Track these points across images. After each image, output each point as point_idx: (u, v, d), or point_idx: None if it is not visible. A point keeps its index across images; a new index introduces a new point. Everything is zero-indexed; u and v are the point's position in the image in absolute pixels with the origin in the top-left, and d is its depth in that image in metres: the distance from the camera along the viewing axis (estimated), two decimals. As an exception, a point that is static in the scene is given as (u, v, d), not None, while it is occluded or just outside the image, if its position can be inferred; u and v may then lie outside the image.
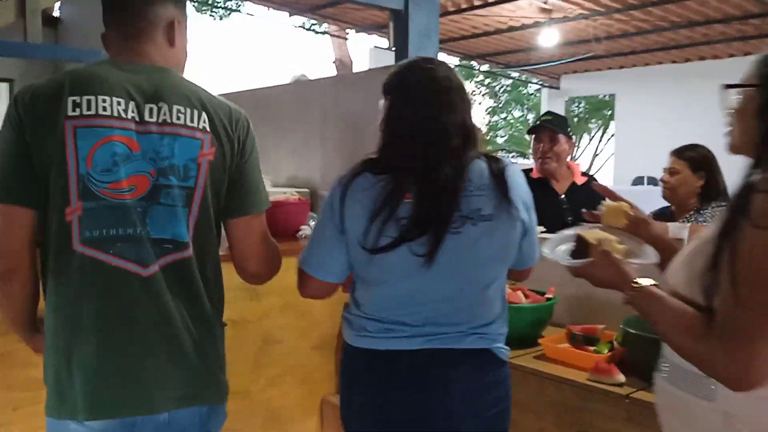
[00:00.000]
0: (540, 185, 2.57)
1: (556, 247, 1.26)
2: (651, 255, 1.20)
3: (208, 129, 1.29)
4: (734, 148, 1.11)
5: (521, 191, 1.38)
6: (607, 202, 1.38)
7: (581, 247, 1.18)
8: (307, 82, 3.98)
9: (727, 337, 0.94)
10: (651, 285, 1.07)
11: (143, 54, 1.32)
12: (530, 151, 3.00)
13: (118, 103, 1.23)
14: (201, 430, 1.35)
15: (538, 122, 2.76)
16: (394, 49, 2.98)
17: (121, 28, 1.34)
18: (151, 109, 1.26)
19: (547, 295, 2.13)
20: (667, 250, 1.28)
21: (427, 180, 1.31)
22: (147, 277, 1.25)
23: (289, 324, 2.51)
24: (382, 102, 1.44)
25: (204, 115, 1.29)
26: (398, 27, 2.82)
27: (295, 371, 2.54)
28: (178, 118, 1.27)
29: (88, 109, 1.22)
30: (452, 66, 1.46)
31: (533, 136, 2.76)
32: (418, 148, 1.33)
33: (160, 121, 1.25)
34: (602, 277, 1.16)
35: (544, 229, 2.21)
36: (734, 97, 1.09)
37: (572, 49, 9.11)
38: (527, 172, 2.70)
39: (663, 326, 1.03)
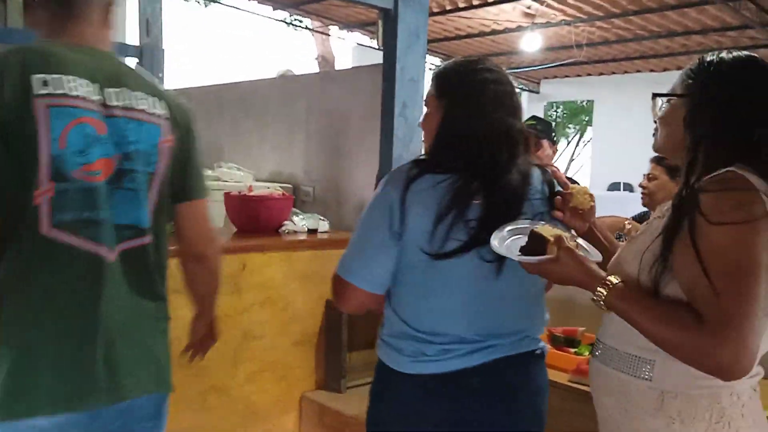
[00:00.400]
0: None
1: (506, 241, 1.18)
2: (595, 253, 1.20)
3: (167, 116, 1.30)
4: (659, 149, 1.25)
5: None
6: (572, 185, 1.39)
7: (536, 244, 1.13)
8: (292, 77, 3.96)
9: (714, 327, 0.97)
10: (619, 282, 1.08)
11: (84, 36, 1.27)
12: None
13: (86, 85, 1.20)
14: (158, 417, 1.36)
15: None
16: (382, 48, 2.96)
17: (61, 8, 1.26)
18: (115, 93, 1.24)
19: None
20: (605, 245, 1.37)
21: (495, 182, 1.27)
22: (110, 263, 1.22)
23: (270, 319, 2.50)
24: (427, 101, 1.39)
25: (161, 102, 1.30)
26: (387, 26, 2.81)
27: (275, 367, 2.53)
28: (140, 104, 1.26)
29: (57, 88, 1.17)
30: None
31: None
32: (486, 150, 1.28)
33: (123, 105, 1.24)
34: (567, 275, 1.11)
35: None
36: (662, 104, 1.21)
37: (553, 55, 9.20)
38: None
39: (646, 323, 1.04)
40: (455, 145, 1.30)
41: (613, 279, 1.08)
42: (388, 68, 2.83)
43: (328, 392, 2.60)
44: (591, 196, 1.37)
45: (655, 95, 1.22)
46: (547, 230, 1.14)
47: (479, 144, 1.28)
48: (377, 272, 1.28)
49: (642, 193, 2.71)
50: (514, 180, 1.28)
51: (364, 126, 3.09)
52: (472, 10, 7.45)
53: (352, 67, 3.32)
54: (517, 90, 1.43)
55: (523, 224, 1.22)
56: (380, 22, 2.85)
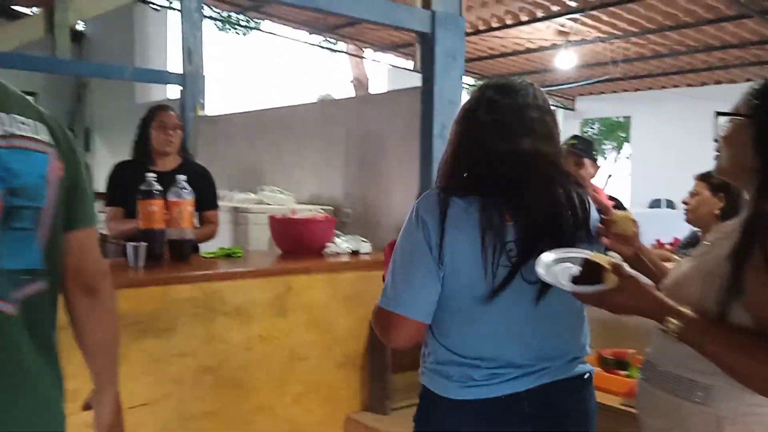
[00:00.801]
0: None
1: (551, 268, 1.13)
2: (644, 280, 1.16)
3: (51, 142, 1.12)
4: (721, 173, 1.20)
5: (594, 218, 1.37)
6: (615, 211, 1.38)
7: (590, 272, 1.07)
8: (331, 102, 4.03)
9: None
10: (692, 314, 1.05)
11: None
12: None
13: None
14: None
15: (564, 146, 2.78)
16: (417, 70, 3.01)
17: None
18: None
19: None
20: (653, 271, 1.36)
21: (522, 203, 1.25)
22: (10, 316, 1.05)
23: (315, 341, 2.52)
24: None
25: (44, 127, 1.12)
26: (425, 49, 2.85)
27: (320, 388, 2.55)
28: (23, 130, 1.08)
29: None
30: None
31: None
32: (509, 174, 1.27)
33: (4, 133, 1.05)
34: (632, 305, 1.07)
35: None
36: (725, 124, 1.17)
37: (588, 71, 9.15)
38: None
39: (724, 354, 1.03)
40: (475, 169, 1.30)
41: (685, 310, 1.05)
42: (427, 91, 2.87)
43: (373, 414, 2.61)
44: (634, 222, 1.35)
45: (718, 114, 1.18)
46: (601, 257, 1.09)
47: (500, 167, 1.27)
48: (426, 300, 1.26)
49: (685, 209, 2.72)
50: (547, 202, 1.26)
51: (402, 148, 3.13)
52: (506, 30, 7.48)
53: (390, 91, 3.37)
54: (552, 108, 1.41)
55: (570, 252, 1.17)
56: (418, 45, 2.89)
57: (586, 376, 1.34)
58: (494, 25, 7.33)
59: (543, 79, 9.77)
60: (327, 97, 4.19)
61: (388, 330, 1.29)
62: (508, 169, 1.27)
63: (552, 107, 1.43)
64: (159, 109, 2.92)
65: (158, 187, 2.43)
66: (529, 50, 8.35)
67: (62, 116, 7.00)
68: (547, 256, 1.16)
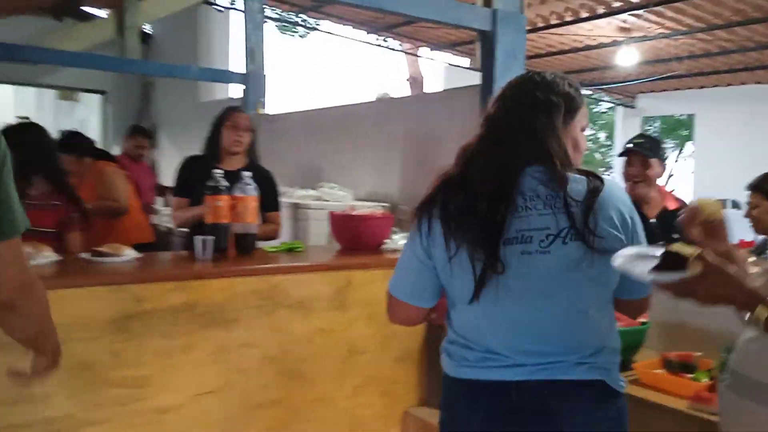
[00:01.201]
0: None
1: (632, 262, 1.11)
2: (730, 268, 1.05)
3: None
4: None
5: (611, 211, 1.28)
6: (697, 198, 1.33)
7: (672, 263, 1.01)
8: (389, 100, 4.07)
9: None
10: None
11: None
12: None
13: None
14: None
15: (631, 145, 2.73)
16: (474, 68, 3.01)
17: None
18: None
19: (640, 319, 2.10)
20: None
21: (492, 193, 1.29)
22: None
23: (373, 335, 2.56)
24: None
25: None
26: (485, 47, 2.85)
27: (379, 382, 2.59)
28: None
29: None
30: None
31: (624, 158, 2.72)
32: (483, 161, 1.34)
33: None
34: (719, 293, 1.00)
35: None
36: None
37: (650, 68, 8.89)
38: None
39: None
40: (464, 162, 1.36)
41: None
42: (486, 89, 2.87)
43: (430, 409, 2.63)
44: (719, 204, 1.26)
45: None
46: (683, 247, 1.04)
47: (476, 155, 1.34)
48: (414, 285, 1.38)
49: (751, 225, 2.68)
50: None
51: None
52: (565, 27, 7.36)
53: (449, 89, 3.39)
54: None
55: (649, 249, 1.16)
56: (478, 44, 2.89)
57: (597, 385, 1.28)
58: (553, 22, 7.22)
59: (602, 76, 9.55)
60: (385, 95, 4.23)
61: (387, 309, 1.45)
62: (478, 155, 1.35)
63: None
64: (233, 110, 3.05)
65: (225, 183, 2.52)
66: (588, 47, 8.18)
67: (131, 114, 7.28)
68: (628, 250, 1.16)
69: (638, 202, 2.67)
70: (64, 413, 1.94)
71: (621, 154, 2.76)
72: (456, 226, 1.29)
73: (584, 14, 6.90)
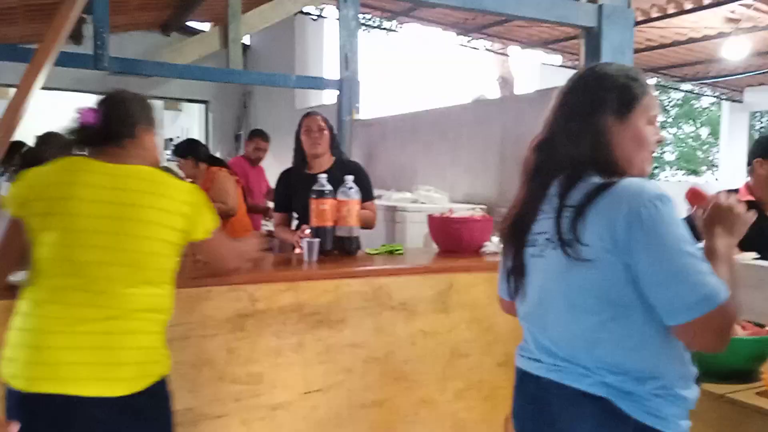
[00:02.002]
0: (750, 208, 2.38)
1: None
2: None
3: None
4: None
5: (603, 220, 1.17)
6: None
7: None
8: (486, 101, 4.04)
9: None
10: None
11: None
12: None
13: None
14: None
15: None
16: (573, 67, 2.93)
17: None
18: None
19: None
20: None
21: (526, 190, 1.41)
22: None
23: (476, 339, 2.55)
24: None
25: None
26: (589, 44, 2.77)
27: (481, 386, 2.57)
28: None
29: None
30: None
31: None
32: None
33: None
34: None
35: (757, 256, 2.08)
36: None
37: (760, 60, 8.34)
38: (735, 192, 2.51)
39: None
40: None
41: None
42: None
43: (533, 415, 2.59)
44: None
45: None
46: None
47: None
48: (500, 281, 1.52)
49: None
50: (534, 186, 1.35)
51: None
52: (667, 20, 7.03)
53: (548, 88, 3.30)
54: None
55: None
56: (582, 41, 2.82)
57: (601, 403, 1.20)
58: (654, 15, 6.92)
59: (707, 69, 9.06)
60: (482, 97, 4.20)
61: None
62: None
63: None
64: (305, 116, 3.19)
65: (329, 187, 2.59)
66: (691, 40, 7.77)
67: (231, 122, 7.63)
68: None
69: (761, 202, 2.51)
70: (185, 407, 2.05)
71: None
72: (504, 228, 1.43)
73: (689, 6, 6.56)
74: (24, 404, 1.50)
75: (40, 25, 5.98)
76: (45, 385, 1.49)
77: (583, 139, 1.26)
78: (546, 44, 8.23)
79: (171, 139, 9.53)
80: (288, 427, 2.21)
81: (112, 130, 1.67)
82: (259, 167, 5.13)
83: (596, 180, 1.23)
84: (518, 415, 1.44)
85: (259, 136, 5.11)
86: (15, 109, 1.72)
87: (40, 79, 1.80)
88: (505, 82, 9.60)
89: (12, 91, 6.60)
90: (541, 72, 9.43)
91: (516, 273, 1.37)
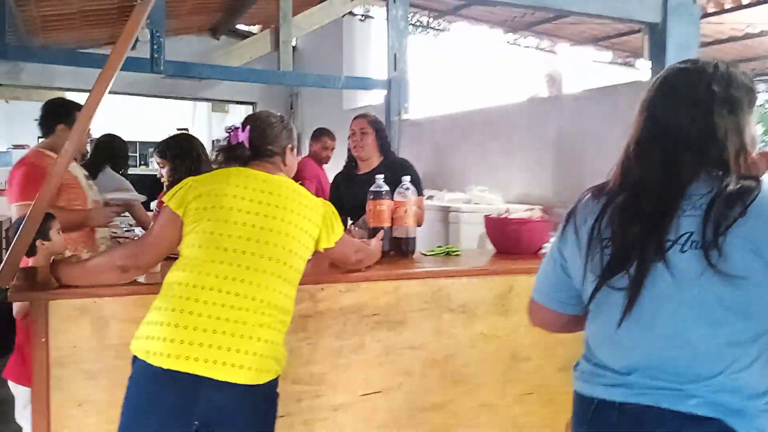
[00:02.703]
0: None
1: None
2: None
3: None
4: None
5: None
6: None
7: None
8: (542, 99, 3.97)
9: None
10: None
11: None
12: None
13: None
14: None
15: None
16: (624, 63, 2.85)
17: None
18: None
19: None
20: None
21: (627, 199, 1.23)
22: None
23: (537, 342, 2.49)
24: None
25: None
26: (653, 40, 2.69)
27: (542, 391, 2.51)
28: None
29: None
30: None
31: None
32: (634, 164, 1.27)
33: None
34: None
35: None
36: None
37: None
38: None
39: None
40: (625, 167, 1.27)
41: None
42: (656, 85, 2.71)
43: (596, 421, 2.52)
44: None
45: None
46: None
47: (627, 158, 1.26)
48: (549, 289, 1.40)
49: None
50: (653, 194, 1.19)
51: (622, 146, 2.98)
52: (722, 15, 6.80)
53: (609, 86, 3.23)
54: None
55: None
56: (646, 37, 2.74)
57: (710, 424, 1.11)
58: (710, 10, 6.70)
59: (763, 66, 8.74)
60: (537, 96, 4.13)
61: (528, 311, 1.49)
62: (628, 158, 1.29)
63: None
64: (353, 120, 3.20)
65: (386, 188, 2.57)
66: (748, 36, 7.51)
67: (277, 123, 7.70)
68: None
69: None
70: (248, 406, 2.06)
71: None
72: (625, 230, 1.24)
73: (746, 1, 6.34)
74: (156, 380, 1.58)
75: (95, 30, 6.15)
76: (179, 364, 1.56)
77: (725, 136, 1.20)
78: (597, 41, 8.06)
79: (218, 140, 9.72)
80: (349, 428, 2.20)
81: (264, 148, 1.87)
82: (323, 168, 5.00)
83: (733, 181, 1.16)
84: None
85: (325, 134, 4.95)
86: (90, 112, 1.75)
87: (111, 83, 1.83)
88: (553, 81, 9.43)
89: (69, 95, 6.77)
90: (590, 70, 9.24)
91: (638, 281, 1.17)
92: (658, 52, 2.66)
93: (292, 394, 2.11)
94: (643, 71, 2.93)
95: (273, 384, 1.70)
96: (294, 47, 7.70)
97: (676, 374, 1.15)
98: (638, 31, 7.13)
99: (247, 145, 1.87)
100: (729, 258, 1.09)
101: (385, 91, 5.20)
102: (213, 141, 9.62)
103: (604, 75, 7.91)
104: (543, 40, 8.61)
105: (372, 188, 2.59)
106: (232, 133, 1.89)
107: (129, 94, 6.53)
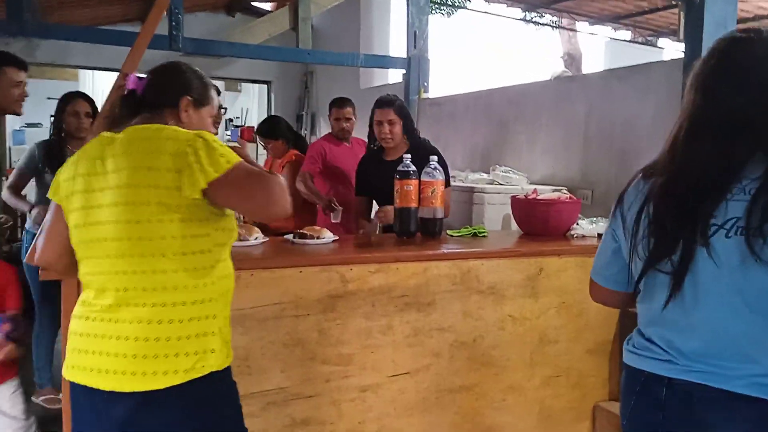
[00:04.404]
0: None
1: None
2: None
3: None
4: None
5: None
6: None
7: None
8: (567, 78, 3.89)
9: None
10: None
11: None
12: None
13: None
14: None
15: None
16: (643, 42, 2.77)
17: None
18: None
19: None
20: None
21: (676, 179, 1.19)
22: None
23: (565, 325, 2.47)
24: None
25: None
26: (690, 17, 2.61)
27: (569, 373, 2.49)
28: None
29: None
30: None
31: None
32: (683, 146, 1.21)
33: None
34: None
35: None
36: None
37: None
38: None
39: None
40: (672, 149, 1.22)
41: None
42: (691, 63, 2.63)
43: (624, 404, 2.50)
44: None
45: None
46: None
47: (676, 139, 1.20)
48: (602, 268, 1.39)
49: None
50: (702, 174, 1.14)
51: (657, 126, 2.92)
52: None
53: (642, 64, 3.15)
54: None
55: None
56: (682, 14, 2.66)
57: (760, 404, 1.10)
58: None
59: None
60: (563, 74, 4.05)
61: (590, 289, 1.47)
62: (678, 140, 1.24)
63: None
64: (376, 106, 3.08)
65: (413, 168, 2.54)
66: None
67: (292, 102, 7.63)
68: None
69: None
70: (277, 386, 2.06)
71: None
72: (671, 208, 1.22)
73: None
74: (75, 397, 1.43)
75: (109, 8, 6.10)
76: (75, 375, 1.41)
77: None
78: (618, 19, 7.90)
79: (231, 120, 9.66)
80: (377, 409, 2.19)
81: (154, 98, 1.56)
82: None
83: None
84: (640, 419, 1.27)
85: (333, 106, 4.72)
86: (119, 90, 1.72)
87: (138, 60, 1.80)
88: (572, 59, 9.30)
89: (83, 72, 6.71)
90: (608, 48, 9.10)
91: (683, 265, 1.15)
92: (694, 29, 2.57)
93: (321, 374, 2.10)
94: (667, 50, 2.86)
95: (201, 383, 1.36)
96: (312, 25, 7.62)
97: (720, 357, 1.14)
98: (661, 9, 6.98)
99: (139, 93, 1.57)
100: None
101: (403, 70, 5.12)
102: (226, 120, 9.57)
103: (624, 54, 7.77)
104: (563, 17, 8.46)
105: (399, 168, 2.55)
106: (128, 80, 1.60)
107: (146, 73, 6.48)
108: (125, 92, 1.60)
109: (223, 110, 3.18)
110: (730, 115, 1.16)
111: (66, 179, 1.50)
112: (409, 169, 2.53)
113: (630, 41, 8.64)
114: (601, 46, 9.28)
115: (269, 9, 7.23)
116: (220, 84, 9.32)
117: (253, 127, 4.98)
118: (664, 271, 1.18)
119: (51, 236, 1.54)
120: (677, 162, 1.19)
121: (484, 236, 2.68)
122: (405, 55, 5.11)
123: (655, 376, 1.23)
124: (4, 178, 3.46)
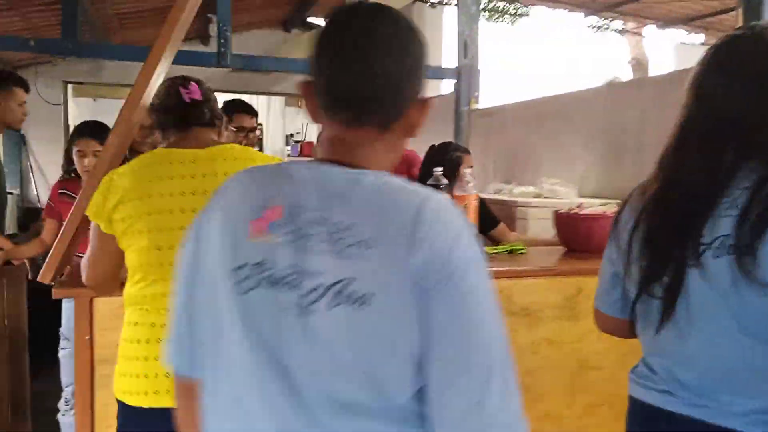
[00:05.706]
0: None
1: None
2: None
3: None
4: None
5: None
6: None
7: None
8: (620, 84, 3.69)
9: None
10: None
11: None
12: None
13: None
14: None
15: None
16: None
17: None
18: None
19: None
20: None
21: (664, 197, 1.11)
22: None
23: (609, 349, 2.29)
24: None
25: None
26: (748, 15, 2.41)
27: (614, 402, 2.30)
28: None
29: None
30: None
31: None
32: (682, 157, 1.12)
33: None
34: None
35: None
36: None
37: None
38: None
39: None
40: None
41: None
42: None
43: (676, 438, 2.29)
44: None
45: None
46: None
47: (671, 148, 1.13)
48: (603, 293, 1.31)
49: None
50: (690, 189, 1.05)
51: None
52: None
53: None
54: None
55: None
56: (740, 11, 2.45)
57: None
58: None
59: None
60: (615, 80, 3.85)
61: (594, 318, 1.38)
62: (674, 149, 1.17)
63: None
64: None
65: (445, 181, 2.44)
66: None
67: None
68: None
69: None
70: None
71: None
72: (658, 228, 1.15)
73: None
74: (139, 421, 1.43)
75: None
76: (157, 400, 1.41)
77: None
78: (688, 21, 7.52)
79: (291, 135, 9.78)
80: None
81: (205, 112, 1.59)
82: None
83: None
84: None
85: None
86: (133, 105, 1.71)
87: (157, 78, 1.78)
88: (639, 64, 8.92)
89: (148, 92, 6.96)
90: (677, 53, 8.68)
91: (672, 288, 1.08)
92: (753, 28, 2.36)
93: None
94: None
95: None
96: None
97: (718, 389, 1.06)
98: (734, 8, 6.60)
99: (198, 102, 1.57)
100: (762, 265, 0.96)
101: (454, 80, 5.01)
102: (286, 136, 9.71)
103: (693, 58, 7.38)
104: (628, 21, 8.13)
105: (430, 182, 2.45)
106: (186, 90, 1.57)
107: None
108: (188, 101, 1.57)
109: (258, 126, 3.17)
110: (719, 116, 1.07)
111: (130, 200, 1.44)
112: (440, 183, 2.43)
113: (703, 44, 8.20)
114: (670, 51, 8.87)
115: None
116: (280, 100, 9.48)
117: (312, 142, 5.01)
118: (656, 296, 1.11)
119: (99, 258, 1.52)
120: (664, 175, 1.12)
121: (521, 253, 2.54)
122: (455, 66, 5.00)
123: (657, 409, 1.15)
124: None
